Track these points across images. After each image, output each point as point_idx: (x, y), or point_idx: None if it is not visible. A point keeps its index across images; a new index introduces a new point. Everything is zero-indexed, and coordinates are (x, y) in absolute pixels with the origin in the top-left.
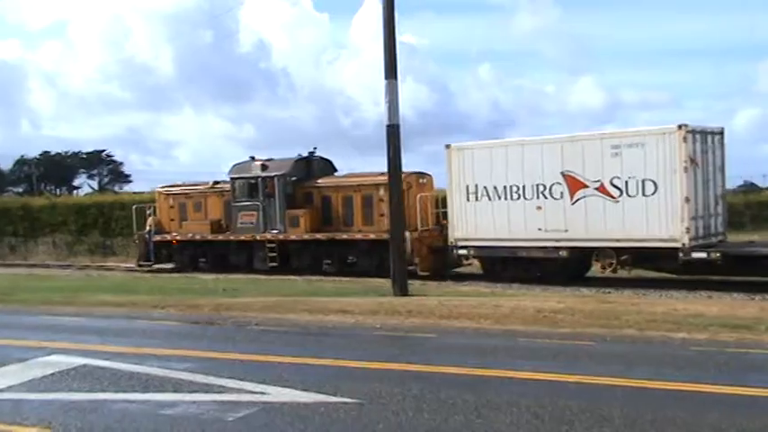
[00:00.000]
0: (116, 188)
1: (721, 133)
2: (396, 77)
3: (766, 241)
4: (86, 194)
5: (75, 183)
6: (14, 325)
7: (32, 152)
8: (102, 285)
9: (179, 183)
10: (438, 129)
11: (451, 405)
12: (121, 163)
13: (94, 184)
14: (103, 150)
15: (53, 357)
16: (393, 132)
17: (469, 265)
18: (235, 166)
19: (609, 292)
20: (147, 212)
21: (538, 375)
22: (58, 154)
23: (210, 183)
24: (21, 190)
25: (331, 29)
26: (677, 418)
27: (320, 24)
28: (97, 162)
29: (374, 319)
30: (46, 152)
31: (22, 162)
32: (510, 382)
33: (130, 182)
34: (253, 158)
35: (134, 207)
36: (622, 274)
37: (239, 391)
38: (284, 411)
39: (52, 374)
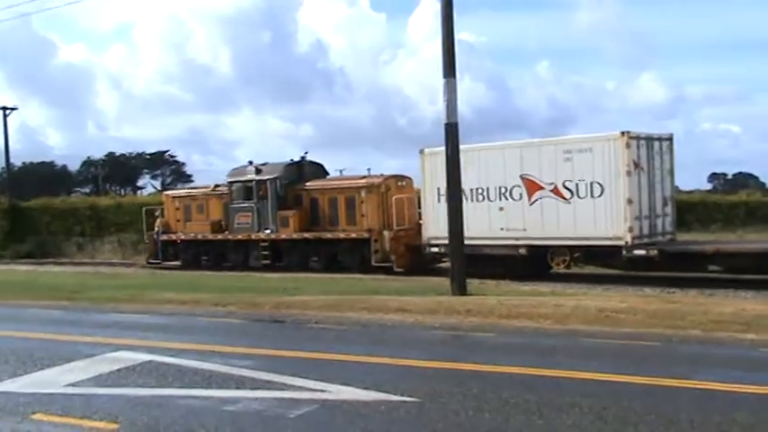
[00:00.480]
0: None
1: (670, 139)
2: (454, 76)
3: (703, 240)
4: (150, 194)
5: (139, 183)
6: (83, 322)
7: (98, 153)
8: (166, 283)
9: (185, 186)
10: (496, 127)
11: (512, 405)
12: (183, 163)
13: (157, 183)
14: (167, 151)
15: (120, 353)
16: (451, 131)
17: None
18: (233, 170)
19: (673, 292)
20: (156, 214)
21: (600, 376)
22: (123, 155)
23: (212, 186)
24: (87, 190)
25: (388, 28)
26: (745, 423)
27: (377, 24)
28: (160, 162)
29: (433, 319)
30: (111, 153)
31: (88, 163)
32: (572, 382)
33: (192, 182)
34: (250, 163)
35: (144, 209)
36: (683, 273)
37: (300, 388)
38: (344, 409)
39: (119, 370)
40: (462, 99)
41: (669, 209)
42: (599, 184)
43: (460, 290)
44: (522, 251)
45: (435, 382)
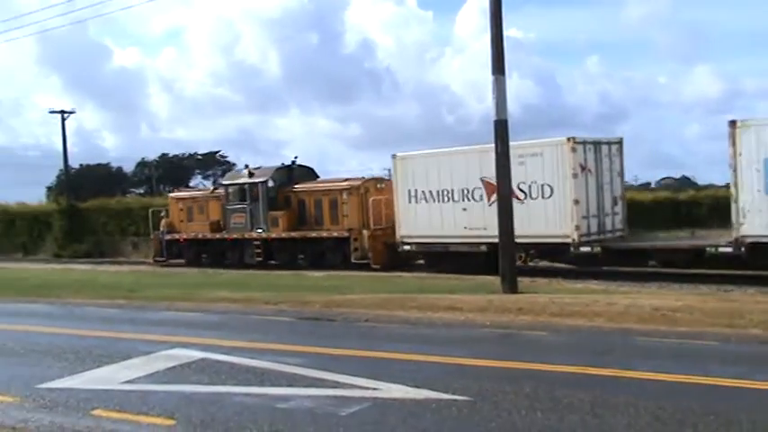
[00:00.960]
0: None
1: (619, 143)
2: (503, 73)
3: (644, 237)
4: None
5: (192, 183)
6: (139, 320)
7: (152, 155)
8: (218, 282)
9: (188, 188)
10: (545, 124)
11: (566, 404)
12: (234, 164)
13: (209, 184)
14: (218, 151)
15: (175, 351)
16: (501, 128)
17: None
18: (229, 173)
19: (731, 290)
20: (161, 215)
21: (656, 375)
22: (176, 156)
23: (211, 189)
24: (142, 191)
25: (435, 26)
26: None
27: (424, 22)
28: (212, 163)
29: (483, 317)
30: (164, 154)
31: (142, 164)
32: (627, 381)
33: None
34: (246, 167)
35: (150, 210)
36: (734, 270)
37: (351, 386)
38: (396, 407)
39: (174, 367)
40: (510, 96)
41: (619, 208)
42: (549, 186)
43: (511, 288)
44: (483, 248)
45: (487, 380)
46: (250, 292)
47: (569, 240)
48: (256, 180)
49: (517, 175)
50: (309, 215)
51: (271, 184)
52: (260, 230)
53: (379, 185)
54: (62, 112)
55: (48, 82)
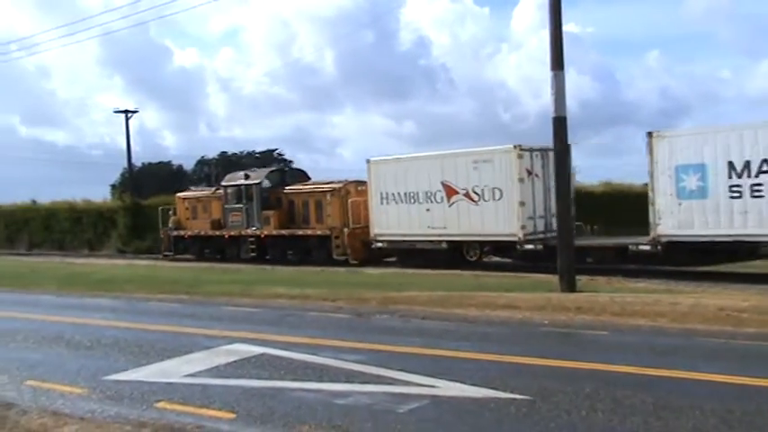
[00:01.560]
0: None
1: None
2: (562, 68)
3: (582, 236)
4: None
5: None
6: (199, 315)
7: (210, 153)
8: (275, 278)
9: (192, 189)
10: (603, 120)
11: (628, 406)
12: (291, 161)
13: (267, 182)
14: (275, 149)
15: (235, 346)
16: (560, 125)
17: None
18: (228, 175)
19: None
20: (170, 213)
21: (723, 377)
22: (234, 154)
23: (213, 189)
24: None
25: (491, 23)
26: None
27: (481, 18)
28: (269, 161)
29: (542, 315)
30: (223, 152)
31: (202, 162)
32: (691, 383)
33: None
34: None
35: (160, 209)
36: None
37: (409, 383)
38: (453, 405)
39: (234, 362)
40: (568, 92)
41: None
42: (499, 189)
43: (569, 287)
44: (444, 245)
45: (546, 379)
46: (307, 288)
47: (515, 239)
48: (251, 182)
49: (472, 180)
50: (298, 214)
51: (265, 185)
52: (254, 228)
53: (359, 188)
54: (126, 111)
55: (111, 83)
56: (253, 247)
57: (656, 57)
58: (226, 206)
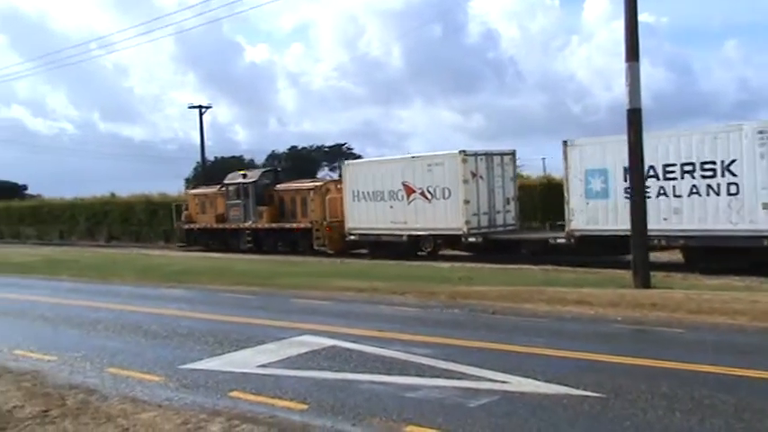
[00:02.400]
0: None
1: (512, 154)
2: (637, 59)
3: (516, 231)
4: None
5: (319, 175)
6: (271, 307)
7: (281, 147)
8: (344, 271)
9: (202, 186)
10: (678, 113)
11: (707, 406)
12: (360, 155)
13: (335, 175)
14: (344, 143)
15: (305, 338)
16: (634, 117)
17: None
18: (229, 175)
19: None
20: (183, 208)
21: None
22: (304, 148)
23: (218, 187)
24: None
25: (561, 14)
26: None
27: (550, 10)
28: (338, 155)
29: (615, 311)
30: (293, 147)
31: (272, 157)
32: None
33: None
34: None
35: (173, 204)
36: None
37: (479, 378)
38: (525, 401)
39: (305, 353)
40: (641, 84)
41: (511, 206)
42: (448, 189)
43: (643, 283)
44: (405, 238)
45: (620, 377)
46: (376, 281)
47: (461, 232)
48: (248, 180)
49: (426, 180)
50: (287, 210)
51: (260, 183)
52: (250, 222)
53: (338, 186)
54: (200, 107)
55: (185, 79)
56: (249, 238)
57: (734, 46)
58: (227, 202)
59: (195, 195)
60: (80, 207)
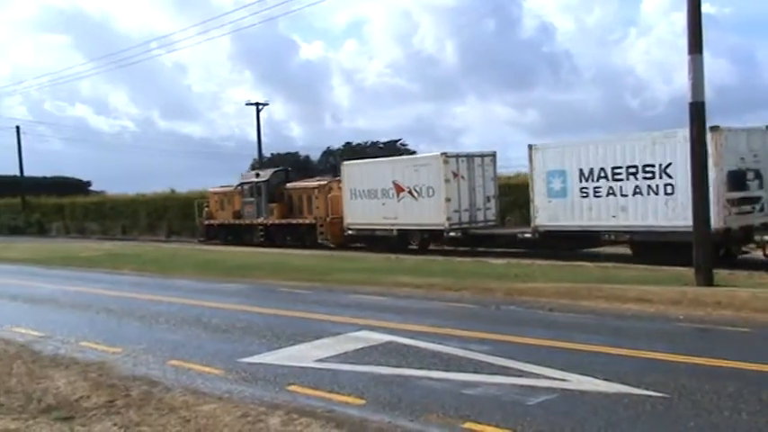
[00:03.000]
0: None
1: (492, 155)
2: (700, 52)
3: (493, 226)
4: None
5: None
6: (327, 302)
7: (335, 143)
8: (400, 267)
9: (222, 185)
10: (741, 106)
11: None
12: (414, 151)
13: (272, 179)
14: (399, 139)
15: (362, 333)
16: (697, 110)
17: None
18: (243, 174)
19: None
20: (204, 205)
21: None
22: (359, 144)
23: (235, 186)
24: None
25: (619, 7)
26: None
27: (607, 3)
28: (393, 151)
29: (676, 310)
30: (348, 143)
31: (327, 153)
32: None
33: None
34: (253, 168)
35: (196, 202)
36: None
37: (537, 376)
38: (585, 400)
39: (362, 349)
40: (704, 77)
41: (492, 204)
42: (432, 188)
43: (706, 280)
44: (395, 233)
45: (683, 377)
46: (431, 277)
47: (443, 227)
48: (260, 179)
49: (413, 180)
50: (295, 207)
51: (271, 182)
52: (262, 218)
53: (340, 185)
54: (257, 104)
55: (241, 77)
56: (261, 233)
57: None
58: (243, 200)
59: (215, 193)
60: (141, 203)
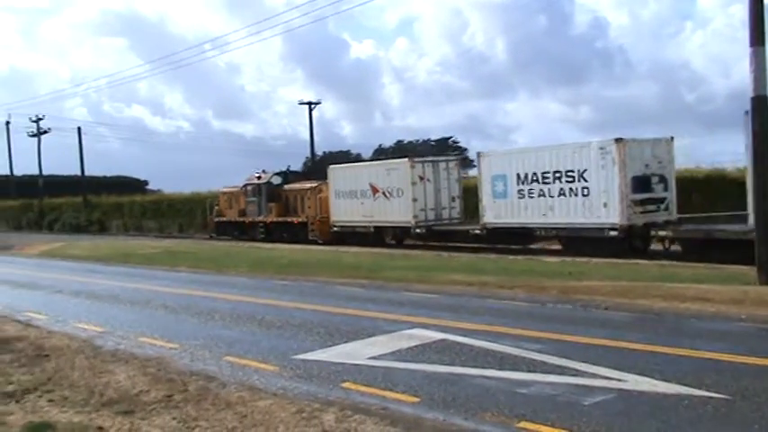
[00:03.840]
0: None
1: (456, 160)
2: (763, 44)
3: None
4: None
5: None
6: (379, 299)
7: (385, 141)
8: (451, 265)
9: (229, 186)
10: None
11: None
12: (466, 149)
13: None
14: (450, 137)
15: (415, 331)
16: (760, 104)
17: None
18: (248, 177)
19: None
20: (214, 204)
21: None
22: (410, 142)
23: (241, 186)
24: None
25: (674, 0)
26: None
27: None
28: (445, 148)
29: (738, 309)
30: (399, 141)
31: (379, 151)
32: None
33: (474, 166)
34: (263, 171)
35: (208, 201)
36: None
37: (593, 375)
38: (643, 401)
39: (415, 347)
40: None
41: (456, 203)
42: (401, 189)
43: None
44: (372, 229)
45: (746, 378)
46: (483, 275)
47: (410, 225)
48: (262, 181)
49: (386, 182)
50: (291, 206)
51: (271, 183)
52: (263, 216)
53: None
54: (309, 103)
55: (293, 76)
56: (262, 230)
57: None
58: (247, 199)
59: (224, 193)
60: (197, 201)
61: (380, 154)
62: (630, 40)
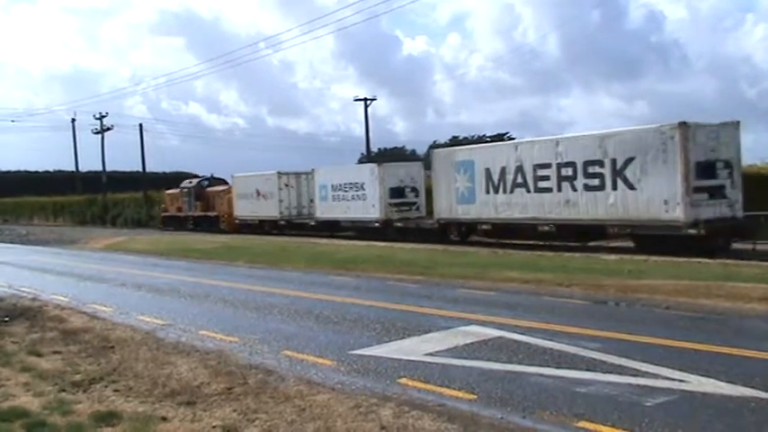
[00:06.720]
0: None
1: (307, 174)
2: None
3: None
4: None
5: None
6: (435, 296)
7: (438, 137)
8: (507, 262)
9: (172, 188)
10: None
11: None
12: None
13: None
14: (506, 133)
15: (471, 328)
16: None
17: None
18: (184, 181)
19: None
20: (162, 202)
21: None
22: (465, 138)
23: (180, 188)
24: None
25: None
26: None
27: None
28: None
29: None
30: (454, 137)
31: (433, 147)
32: None
33: None
34: (195, 177)
35: (157, 200)
36: None
37: (655, 376)
38: (707, 403)
39: (472, 344)
40: None
41: (313, 204)
42: (271, 192)
43: None
44: (257, 222)
45: None
46: (540, 273)
47: (276, 218)
48: (192, 185)
49: (265, 187)
50: (210, 204)
51: (198, 186)
52: (191, 212)
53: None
54: (365, 99)
55: (345, 73)
56: (191, 221)
57: None
58: (182, 198)
59: (169, 194)
60: None
61: (433, 149)
62: (687, 34)
